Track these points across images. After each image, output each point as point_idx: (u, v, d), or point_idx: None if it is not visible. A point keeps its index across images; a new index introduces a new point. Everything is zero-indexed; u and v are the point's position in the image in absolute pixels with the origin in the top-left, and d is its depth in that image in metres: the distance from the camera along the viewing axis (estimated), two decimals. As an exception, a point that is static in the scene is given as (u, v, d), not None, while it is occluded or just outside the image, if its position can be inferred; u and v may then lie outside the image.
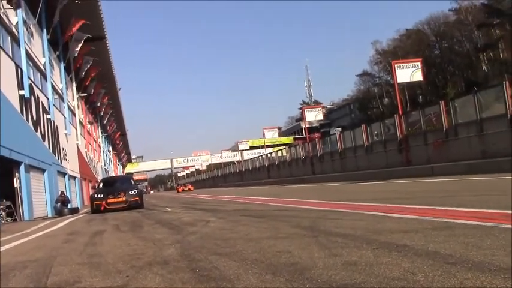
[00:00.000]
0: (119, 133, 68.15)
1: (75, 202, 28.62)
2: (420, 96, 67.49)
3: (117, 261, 4.84)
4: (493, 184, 10.67)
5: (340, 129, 62.04)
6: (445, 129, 19.74)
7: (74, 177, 31.01)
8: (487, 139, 17.29)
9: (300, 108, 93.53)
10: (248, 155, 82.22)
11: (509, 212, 5.28)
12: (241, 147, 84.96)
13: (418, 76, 24.57)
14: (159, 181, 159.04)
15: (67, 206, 21.74)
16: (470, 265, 3.07)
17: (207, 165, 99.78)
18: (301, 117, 68.38)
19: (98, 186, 20.90)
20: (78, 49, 29.54)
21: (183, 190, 62.96)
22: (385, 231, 4.93)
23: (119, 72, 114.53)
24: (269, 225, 6.80)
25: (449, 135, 19.52)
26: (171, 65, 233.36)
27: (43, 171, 21.58)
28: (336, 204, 9.19)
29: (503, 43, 58.44)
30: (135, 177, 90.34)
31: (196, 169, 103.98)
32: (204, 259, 4.36)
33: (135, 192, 18.07)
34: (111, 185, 20.07)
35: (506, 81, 17.64)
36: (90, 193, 24.42)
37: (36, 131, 20.79)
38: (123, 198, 17.50)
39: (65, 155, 27.83)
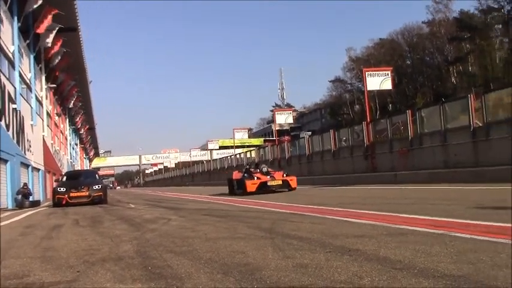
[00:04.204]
0: (87, 127, 66.95)
1: (37, 195, 28.02)
2: (390, 105, 68.56)
3: (71, 256, 4.80)
4: (450, 193, 10.93)
5: (310, 133, 62.52)
6: (410, 138, 20.11)
7: (38, 170, 30.32)
8: (449, 149, 17.69)
9: (272, 111, 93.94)
10: (218, 154, 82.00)
11: (461, 221, 5.43)
12: (211, 146, 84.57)
13: (388, 85, 24.91)
14: (127, 177, 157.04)
15: (28, 198, 21.27)
16: (416, 271, 3.14)
17: (175, 163, 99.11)
18: (273, 120, 68.72)
19: (61, 179, 20.53)
20: (49, 39, 28.96)
21: (260, 186, 17.08)
22: (341, 236, 5.00)
23: (91, 65, 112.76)
24: (229, 226, 6.82)
25: (414, 144, 19.88)
26: (143, 61, 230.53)
27: (5, 161, 21.03)
28: (299, 207, 9.26)
29: (472, 57, 59.90)
30: (102, 172, 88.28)
31: (164, 166, 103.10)
32: (158, 257, 4.36)
33: (99, 187, 17.88)
34: (75, 178, 19.75)
35: (472, 94, 18.08)
36: (53, 186, 23.95)
37: (0, 120, 20.28)
38: (87, 193, 17.28)
39: (30, 146, 27.19)
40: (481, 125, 16.41)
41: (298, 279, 3.13)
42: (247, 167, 20.94)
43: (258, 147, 60.22)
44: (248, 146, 73.03)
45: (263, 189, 16.88)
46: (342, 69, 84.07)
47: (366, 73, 24.85)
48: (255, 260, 3.86)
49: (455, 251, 3.71)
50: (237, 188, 18.03)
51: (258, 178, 17.40)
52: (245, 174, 18.26)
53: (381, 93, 49.50)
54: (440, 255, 3.59)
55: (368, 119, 24.41)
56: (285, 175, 18.15)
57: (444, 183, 14.19)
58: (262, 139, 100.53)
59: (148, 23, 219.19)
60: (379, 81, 24.45)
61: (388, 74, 24.90)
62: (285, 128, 76.91)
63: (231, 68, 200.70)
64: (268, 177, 17.55)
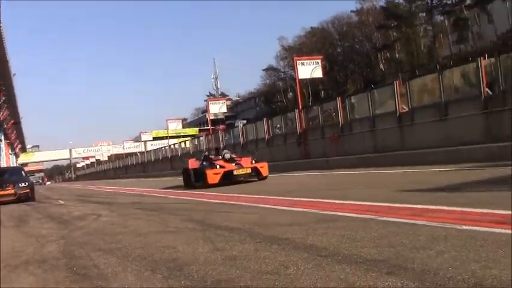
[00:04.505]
0: (12, 121, 63.82)
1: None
2: (322, 92, 69.97)
3: (-9, 260, 4.56)
4: (377, 177, 11.34)
5: (245, 121, 62.74)
6: (341, 124, 20.61)
7: (-42, 168, 28.68)
8: (377, 135, 18.31)
9: (206, 100, 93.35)
10: (152, 145, 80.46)
11: (386, 204, 5.63)
12: (144, 137, 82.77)
13: (318, 73, 25.34)
14: (57, 171, 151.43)
15: None
16: (340, 258, 3.23)
17: (108, 156, 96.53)
18: (207, 109, 68.37)
19: (-16, 178, 19.46)
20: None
21: (225, 176, 13.99)
22: (273, 225, 5.07)
23: (14, 56, 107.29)
24: (161, 219, 6.73)
25: (345, 130, 20.40)
26: (70, 51, 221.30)
27: None
28: (232, 197, 9.27)
29: (399, 44, 62.22)
30: (31, 168, 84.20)
31: (96, 160, 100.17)
32: (85, 256, 4.24)
33: (25, 184, 17.09)
34: (-1, 176, 18.78)
35: (397, 81, 18.76)
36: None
37: None
38: (12, 191, 16.48)
39: None
40: (407, 109, 17.08)
41: (226, 272, 3.14)
42: (206, 153, 17.77)
43: (193, 136, 59.74)
44: (183, 136, 72.37)
45: (228, 179, 13.90)
46: (275, 58, 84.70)
47: (297, 62, 25.16)
48: (184, 255, 3.84)
49: (378, 235, 3.85)
50: (195, 180, 14.83)
51: (221, 166, 14.16)
52: (204, 163, 15.10)
53: (313, 80, 50.16)
54: (364, 240, 3.71)
55: (300, 107, 24.77)
56: (253, 161, 14.98)
57: (373, 167, 14.67)
58: (197, 129, 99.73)
59: (78, 11, 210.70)
60: (310, 69, 24.84)
61: (318, 63, 25.33)
62: (219, 117, 76.69)
63: (163, 57, 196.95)
64: (234, 164, 14.40)
